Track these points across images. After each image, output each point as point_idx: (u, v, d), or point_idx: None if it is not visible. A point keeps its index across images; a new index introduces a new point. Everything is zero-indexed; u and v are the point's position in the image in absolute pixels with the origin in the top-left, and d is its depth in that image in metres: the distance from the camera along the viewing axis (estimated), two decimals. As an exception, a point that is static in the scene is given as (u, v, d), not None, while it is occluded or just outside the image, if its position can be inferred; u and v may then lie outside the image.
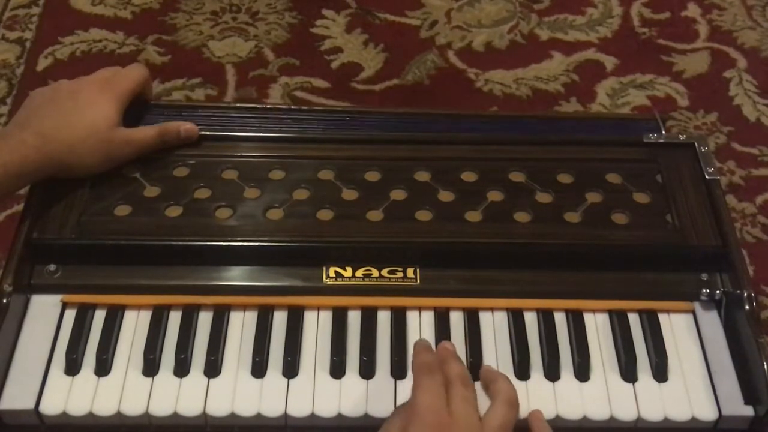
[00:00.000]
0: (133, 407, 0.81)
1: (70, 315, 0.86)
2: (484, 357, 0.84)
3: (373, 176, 0.95)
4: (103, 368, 0.83)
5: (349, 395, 0.82)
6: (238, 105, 1.07)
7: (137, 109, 0.98)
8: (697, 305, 0.89)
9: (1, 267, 0.86)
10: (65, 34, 1.43)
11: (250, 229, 0.90)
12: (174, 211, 0.91)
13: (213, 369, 0.83)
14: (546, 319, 0.87)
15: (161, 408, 0.81)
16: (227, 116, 1.02)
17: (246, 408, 0.81)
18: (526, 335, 0.86)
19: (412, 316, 0.88)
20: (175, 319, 0.86)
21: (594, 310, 0.88)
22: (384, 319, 0.87)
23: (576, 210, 0.92)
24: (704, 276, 0.89)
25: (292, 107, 1.06)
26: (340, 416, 0.81)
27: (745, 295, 0.85)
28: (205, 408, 0.81)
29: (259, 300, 0.87)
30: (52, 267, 0.88)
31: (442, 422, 0.74)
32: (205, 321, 0.86)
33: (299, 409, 0.81)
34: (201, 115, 1.01)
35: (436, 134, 1.02)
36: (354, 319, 0.87)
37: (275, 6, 1.48)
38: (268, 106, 1.08)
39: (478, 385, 0.81)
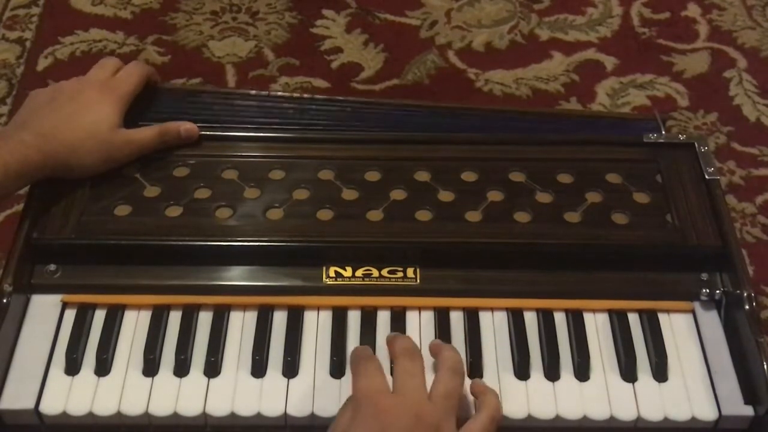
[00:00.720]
0: (133, 407, 0.81)
1: (70, 315, 0.86)
2: (484, 357, 0.84)
3: (373, 176, 0.95)
4: (103, 368, 0.83)
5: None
6: (241, 92, 1.07)
7: (145, 94, 0.99)
8: (697, 305, 0.89)
9: (1, 267, 0.86)
10: (65, 34, 1.43)
11: (250, 229, 0.90)
12: (174, 211, 0.91)
13: (213, 369, 0.83)
14: (546, 319, 0.87)
15: (161, 408, 0.81)
16: (230, 103, 1.03)
17: (246, 408, 0.81)
18: (526, 335, 0.86)
19: (411, 316, 0.88)
20: (175, 319, 0.86)
21: (594, 310, 0.88)
22: (384, 319, 0.87)
23: (576, 210, 0.92)
24: (704, 276, 0.89)
25: (295, 95, 1.06)
26: (340, 416, 0.81)
27: (745, 295, 0.85)
28: (204, 408, 0.81)
29: (259, 300, 0.87)
30: (52, 267, 0.88)
31: (382, 401, 0.75)
32: (205, 321, 0.86)
33: (299, 409, 0.81)
34: (204, 102, 1.02)
35: (436, 134, 1.02)
36: (354, 319, 0.87)
37: (275, 6, 1.48)
38: (270, 94, 1.08)
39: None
